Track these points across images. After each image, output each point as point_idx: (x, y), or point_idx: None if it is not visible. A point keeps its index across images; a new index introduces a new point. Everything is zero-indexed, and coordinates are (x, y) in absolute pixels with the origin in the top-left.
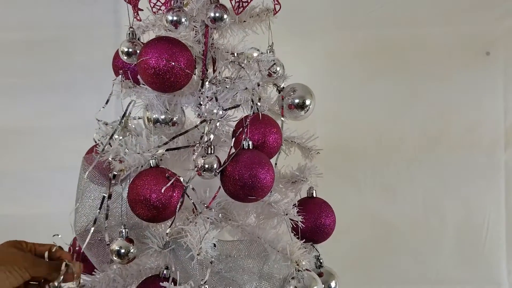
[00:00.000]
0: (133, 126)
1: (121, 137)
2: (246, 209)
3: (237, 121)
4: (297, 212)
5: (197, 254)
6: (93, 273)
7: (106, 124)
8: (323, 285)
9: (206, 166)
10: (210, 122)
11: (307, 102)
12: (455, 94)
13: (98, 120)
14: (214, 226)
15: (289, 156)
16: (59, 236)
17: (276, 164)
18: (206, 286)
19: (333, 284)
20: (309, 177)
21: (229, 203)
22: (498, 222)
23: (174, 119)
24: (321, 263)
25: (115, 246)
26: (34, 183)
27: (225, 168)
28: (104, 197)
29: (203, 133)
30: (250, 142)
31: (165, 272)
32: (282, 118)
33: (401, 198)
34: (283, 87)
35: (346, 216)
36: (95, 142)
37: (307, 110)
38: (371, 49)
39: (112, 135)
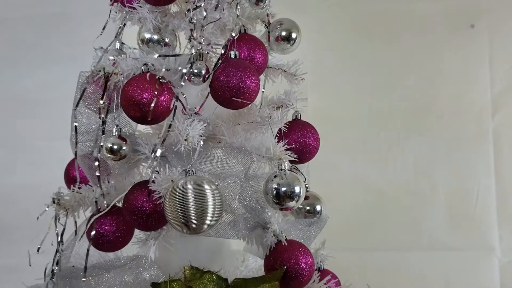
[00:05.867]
0: (129, 50)
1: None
2: (234, 128)
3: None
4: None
5: (185, 140)
6: (88, 184)
7: (102, 48)
8: (306, 186)
9: (195, 71)
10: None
11: (293, 35)
12: (442, 64)
13: (95, 48)
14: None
15: (276, 84)
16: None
17: (263, 91)
18: (193, 169)
19: (318, 207)
20: (294, 102)
21: (218, 123)
22: (488, 188)
23: (166, 40)
24: (306, 187)
25: (108, 144)
26: (34, 153)
27: (213, 73)
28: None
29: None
30: (237, 53)
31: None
32: (268, 42)
33: (392, 166)
34: (270, 23)
35: (338, 184)
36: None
37: (294, 43)
38: (362, 23)
39: (107, 48)
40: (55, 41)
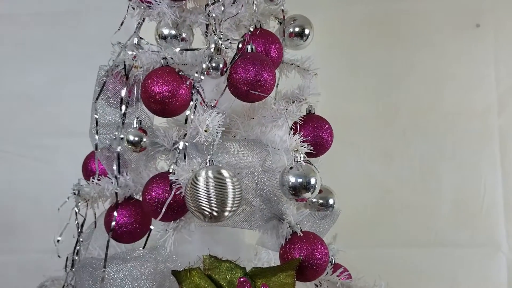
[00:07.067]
0: (147, 45)
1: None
2: (249, 122)
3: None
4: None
5: (205, 131)
6: (107, 176)
7: (120, 43)
8: (321, 179)
9: (214, 64)
10: (215, 21)
11: (306, 31)
12: (448, 63)
13: (113, 44)
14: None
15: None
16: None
17: (277, 85)
18: (212, 160)
19: (331, 201)
20: (308, 96)
21: (234, 118)
22: (494, 185)
23: (183, 35)
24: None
25: (129, 136)
26: (41, 149)
27: (230, 67)
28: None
29: (207, 33)
30: (254, 47)
31: (172, 167)
32: (283, 37)
33: (398, 163)
34: (284, 19)
35: (345, 180)
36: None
37: (306, 39)
38: (369, 22)
39: (126, 43)
40: (62, 37)
